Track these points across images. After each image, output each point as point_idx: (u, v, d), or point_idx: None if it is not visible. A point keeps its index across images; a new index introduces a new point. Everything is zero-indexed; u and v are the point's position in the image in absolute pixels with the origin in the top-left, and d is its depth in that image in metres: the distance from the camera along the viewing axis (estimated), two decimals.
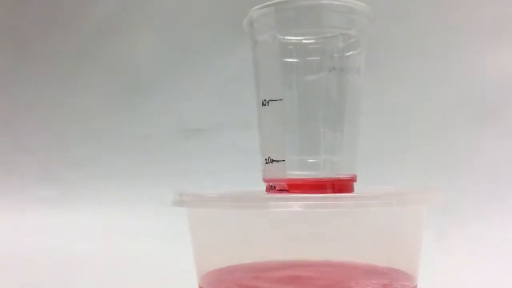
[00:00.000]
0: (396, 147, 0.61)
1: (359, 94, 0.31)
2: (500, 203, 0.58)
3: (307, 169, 0.30)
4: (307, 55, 0.30)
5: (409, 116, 0.62)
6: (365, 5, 0.30)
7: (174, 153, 0.70)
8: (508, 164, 0.59)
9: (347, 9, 0.30)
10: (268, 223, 0.29)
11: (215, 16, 0.70)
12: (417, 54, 0.62)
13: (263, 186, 0.33)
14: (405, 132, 0.62)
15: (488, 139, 0.60)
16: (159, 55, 0.72)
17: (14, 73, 0.79)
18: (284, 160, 0.30)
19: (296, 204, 0.26)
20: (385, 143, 0.61)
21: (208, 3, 0.70)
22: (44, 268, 0.56)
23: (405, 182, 0.59)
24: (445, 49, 0.62)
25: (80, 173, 0.74)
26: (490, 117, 0.60)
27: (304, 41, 0.30)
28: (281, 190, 0.31)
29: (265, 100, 0.31)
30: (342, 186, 0.31)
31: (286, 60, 0.31)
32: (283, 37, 0.30)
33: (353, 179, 0.32)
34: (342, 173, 0.31)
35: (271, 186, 0.32)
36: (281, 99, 0.30)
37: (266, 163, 0.31)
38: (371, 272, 0.30)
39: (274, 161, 0.31)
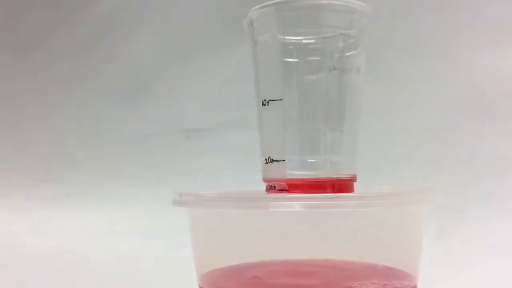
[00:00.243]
0: (396, 147, 0.61)
1: (359, 94, 0.31)
2: (500, 203, 0.58)
3: (307, 169, 0.30)
4: (307, 55, 0.30)
5: (409, 116, 0.62)
6: (365, 5, 0.30)
7: (174, 153, 0.70)
8: (508, 164, 0.59)
9: (347, 9, 0.30)
10: (268, 223, 0.29)
11: (215, 16, 0.70)
12: (417, 54, 0.63)
13: (263, 186, 0.33)
14: (405, 132, 0.62)
15: (488, 139, 0.60)
16: (159, 55, 0.72)
17: (14, 73, 0.79)
18: (284, 160, 0.30)
19: (296, 204, 0.26)
20: (385, 143, 0.61)
21: (208, 3, 0.70)
22: (44, 268, 0.56)
23: (405, 182, 0.59)
24: (445, 49, 0.62)
25: (80, 173, 0.74)
26: (490, 117, 0.60)
27: (304, 41, 0.30)
28: (281, 190, 0.31)
29: (265, 100, 0.31)
30: (342, 186, 0.31)
31: (286, 60, 0.31)
32: (283, 37, 0.30)
33: (353, 179, 0.32)
34: (342, 173, 0.31)
35: (271, 186, 0.31)
36: (281, 99, 0.30)
37: (266, 163, 0.31)
38: (371, 272, 0.30)
39: (274, 161, 0.31)
